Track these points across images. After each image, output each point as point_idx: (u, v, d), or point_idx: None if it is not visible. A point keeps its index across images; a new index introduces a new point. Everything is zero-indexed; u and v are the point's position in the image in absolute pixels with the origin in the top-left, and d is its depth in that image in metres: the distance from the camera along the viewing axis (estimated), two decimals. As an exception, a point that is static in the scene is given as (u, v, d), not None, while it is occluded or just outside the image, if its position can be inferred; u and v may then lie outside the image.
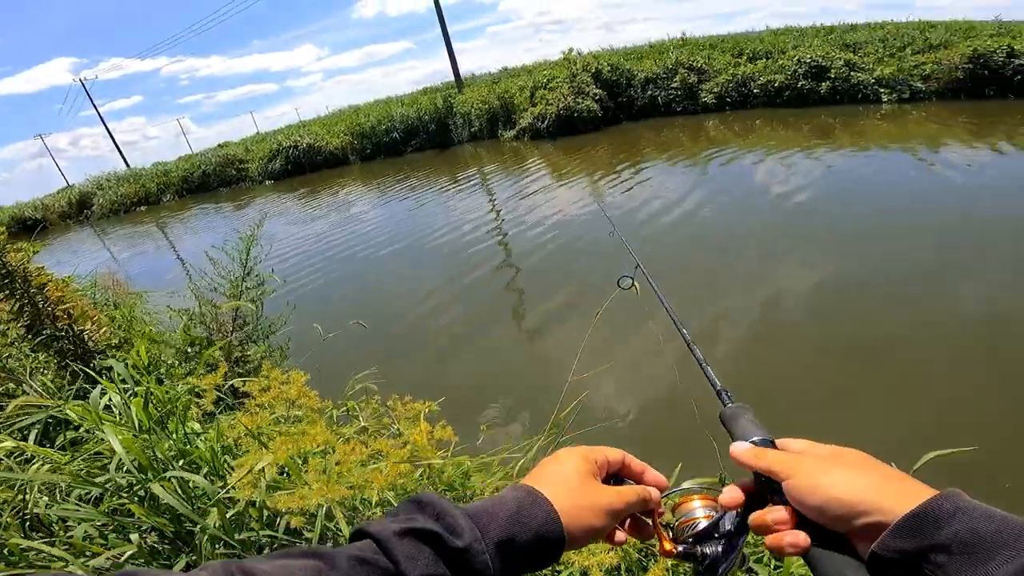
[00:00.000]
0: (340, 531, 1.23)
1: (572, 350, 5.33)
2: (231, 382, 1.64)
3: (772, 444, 0.62)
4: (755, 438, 0.63)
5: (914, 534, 0.45)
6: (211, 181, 25.20)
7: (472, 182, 15.22)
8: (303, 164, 23.22)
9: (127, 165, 33.33)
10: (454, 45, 25.99)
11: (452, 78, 26.42)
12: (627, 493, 0.63)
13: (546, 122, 19.17)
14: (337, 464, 1.31)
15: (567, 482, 0.60)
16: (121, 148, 40.86)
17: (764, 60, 18.91)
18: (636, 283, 1.34)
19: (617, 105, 20.11)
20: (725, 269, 6.80)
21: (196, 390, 1.59)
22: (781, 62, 18.14)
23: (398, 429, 2.26)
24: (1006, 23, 18.22)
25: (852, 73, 16.90)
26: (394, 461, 1.48)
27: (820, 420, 3.94)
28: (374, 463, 1.51)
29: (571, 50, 21.36)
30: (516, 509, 0.56)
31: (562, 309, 6.41)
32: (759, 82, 18.10)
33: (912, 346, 4.70)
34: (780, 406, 4.14)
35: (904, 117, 14.69)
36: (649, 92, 19.99)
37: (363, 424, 2.49)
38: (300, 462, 1.32)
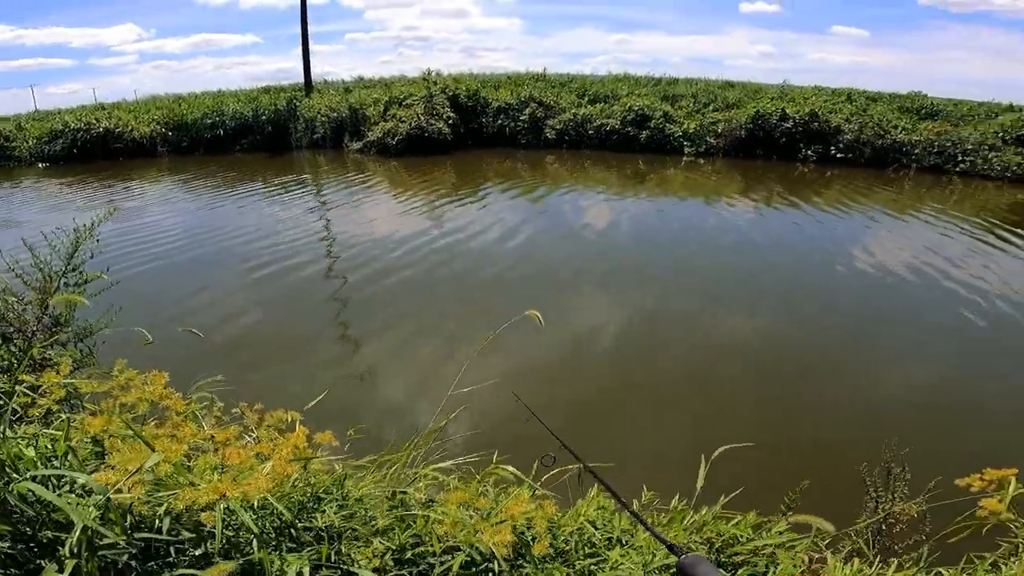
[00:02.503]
0: (240, 526, 1.15)
1: (423, 370, 5.41)
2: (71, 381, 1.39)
3: None
4: None
5: None
6: (-40, 159, 19.84)
7: (305, 188, 14.41)
8: (94, 150, 19.64)
9: None
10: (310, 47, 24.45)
11: (295, 79, 24.84)
12: None
13: (396, 139, 18.98)
14: (225, 464, 1.23)
15: None
16: None
17: (602, 103, 21.19)
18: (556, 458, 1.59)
19: (467, 130, 20.74)
20: (539, 297, 7.44)
21: (24, 388, 1.31)
22: (615, 107, 20.54)
23: (256, 438, 2.13)
24: (788, 87, 22.54)
25: (667, 125, 19.82)
26: (281, 460, 1.41)
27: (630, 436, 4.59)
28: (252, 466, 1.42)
29: (430, 71, 21.64)
30: None
31: (405, 330, 6.37)
32: (595, 124, 20.24)
33: (689, 366, 5.73)
34: (586, 427, 4.67)
35: (698, 169, 17.76)
36: (500, 121, 21.07)
37: (209, 433, 2.27)
38: (186, 462, 1.21)
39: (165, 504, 1.07)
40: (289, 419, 2.13)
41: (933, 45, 50.94)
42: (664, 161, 18.57)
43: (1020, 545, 1.57)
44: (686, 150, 19.51)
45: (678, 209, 12.71)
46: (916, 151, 17.74)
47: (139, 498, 1.03)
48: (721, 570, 0.79)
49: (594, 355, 5.80)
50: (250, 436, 2.26)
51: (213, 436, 2.28)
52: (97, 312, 2.89)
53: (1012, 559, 1.56)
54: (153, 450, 1.11)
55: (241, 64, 52.48)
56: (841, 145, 18.19)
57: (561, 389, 5.15)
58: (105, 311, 2.73)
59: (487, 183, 14.75)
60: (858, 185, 15.43)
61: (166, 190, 14.70)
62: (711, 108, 20.62)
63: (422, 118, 19.20)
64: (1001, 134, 17.01)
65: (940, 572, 1.57)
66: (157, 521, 1.10)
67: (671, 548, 0.87)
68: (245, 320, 6.58)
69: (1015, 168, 16.12)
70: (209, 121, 21.02)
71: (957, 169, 17.09)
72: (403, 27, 61.23)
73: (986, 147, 16.83)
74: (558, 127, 20.56)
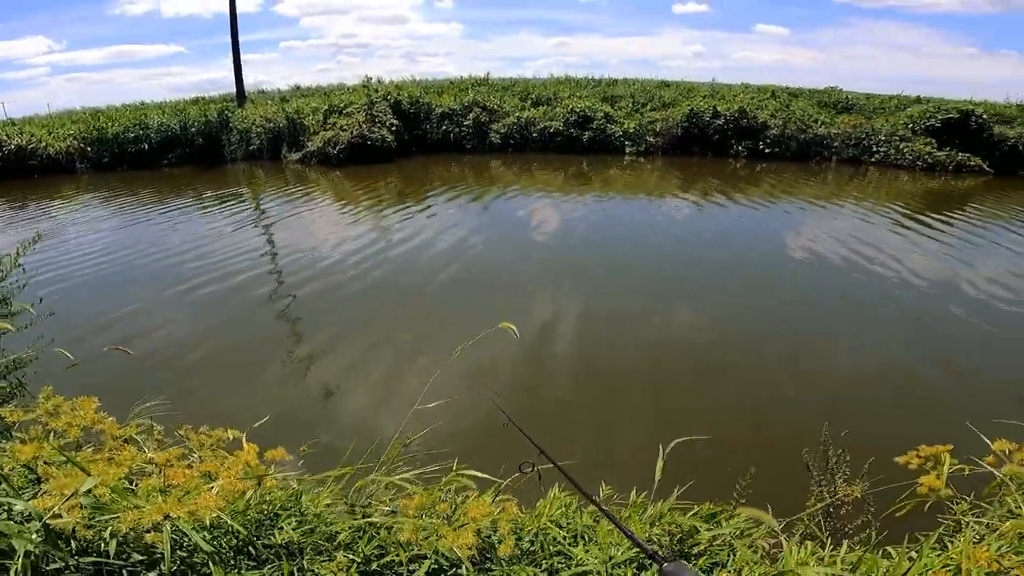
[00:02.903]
0: (194, 547, 1.09)
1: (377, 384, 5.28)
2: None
3: None
4: None
5: None
6: None
7: (241, 202, 13.86)
8: (7, 167, 18.17)
9: None
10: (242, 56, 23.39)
11: (225, 89, 23.84)
12: None
13: (337, 148, 18.51)
14: (169, 485, 1.16)
15: None
16: None
17: (545, 106, 21.46)
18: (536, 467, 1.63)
19: (412, 137, 20.51)
20: (491, 298, 7.54)
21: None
22: (558, 109, 20.87)
23: (199, 458, 2.03)
24: (718, 86, 23.55)
25: (608, 125, 20.32)
26: (232, 477, 1.35)
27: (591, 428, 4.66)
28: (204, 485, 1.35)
29: (370, 78, 21.20)
30: None
31: (338, 342, 6.24)
32: (538, 127, 20.51)
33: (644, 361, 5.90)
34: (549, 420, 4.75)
35: (639, 168, 18.29)
36: (444, 127, 20.96)
37: (150, 456, 2.15)
38: (129, 485, 1.13)
39: (109, 527, 1.01)
40: (231, 437, 2.04)
41: (847, 41, 54.84)
42: (607, 161, 19.01)
43: (961, 521, 1.67)
44: (627, 150, 20.06)
45: (621, 208, 13.03)
46: (835, 144, 18.97)
47: (79, 522, 0.97)
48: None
49: (541, 357, 5.82)
50: (194, 456, 2.15)
51: (153, 459, 2.16)
52: (25, 341, 2.69)
53: (957, 535, 1.65)
54: (88, 474, 1.04)
55: (164, 75, 49.81)
56: (768, 140, 19.21)
57: (510, 391, 5.16)
58: (36, 340, 2.54)
59: (432, 190, 14.65)
60: (785, 178, 16.33)
61: (84, 208, 13.77)
62: (649, 108, 21.29)
63: (364, 126, 18.83)
64: (910, 125, 18.45)
65: (888, 551, 1.67)
66: (103, 544, 1.05)
67: (652, 557, 0.86)
68: (177, 340, 6.23)
69: (926, 157, 17.53)
70: (132, 135, 19.82)
71: (873, 160, 18.42)
72: (341, 34, 60.11)
73: (897, 138, 18.22)
74: (502, 131, 20.67)
